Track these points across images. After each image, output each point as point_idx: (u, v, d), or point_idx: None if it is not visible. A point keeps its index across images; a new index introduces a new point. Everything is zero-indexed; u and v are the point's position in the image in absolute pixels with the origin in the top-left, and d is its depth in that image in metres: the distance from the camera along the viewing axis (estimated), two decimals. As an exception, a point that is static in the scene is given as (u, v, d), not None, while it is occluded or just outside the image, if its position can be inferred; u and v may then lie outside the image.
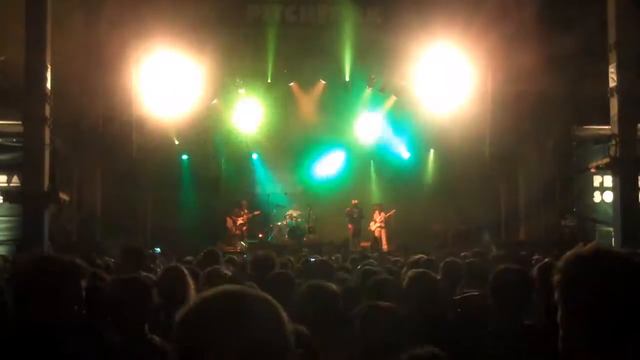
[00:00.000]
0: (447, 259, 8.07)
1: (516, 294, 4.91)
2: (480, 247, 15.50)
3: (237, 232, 25.66)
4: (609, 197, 21.85)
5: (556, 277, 2.55)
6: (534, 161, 22.75)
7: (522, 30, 20.91)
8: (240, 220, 25.68)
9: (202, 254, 9.11)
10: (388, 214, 25.77)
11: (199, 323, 1.83)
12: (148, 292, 4.72)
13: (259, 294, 1.93)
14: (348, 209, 25.77)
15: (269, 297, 1.92)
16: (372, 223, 26.02)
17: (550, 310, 5.42)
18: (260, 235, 26.13)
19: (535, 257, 11.10)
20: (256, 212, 26.06)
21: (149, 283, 4.88)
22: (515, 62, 20.54)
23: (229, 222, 25.74)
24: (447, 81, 23.56)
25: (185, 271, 5.98)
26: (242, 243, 24.83)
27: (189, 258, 12.06)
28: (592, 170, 22.14)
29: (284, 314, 1.91)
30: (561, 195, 22.32)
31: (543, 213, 22.45)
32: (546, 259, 7.64)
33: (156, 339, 4.51)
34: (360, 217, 25.70)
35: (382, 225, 25.86)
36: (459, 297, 6.59)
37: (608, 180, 22.06)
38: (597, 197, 22.90)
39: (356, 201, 25.87)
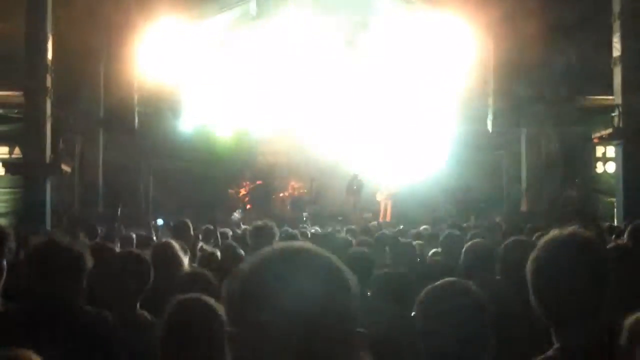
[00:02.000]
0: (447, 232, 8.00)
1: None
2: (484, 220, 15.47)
3: (238, 204, 25.49)
4: (611, 167, 21.75)
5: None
6: (537, 132, 22.61)
7: (525, 0, 20.69)
8: (242, 191, 25.55)
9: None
10: (393, 192, 25.52)
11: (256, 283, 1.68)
12: (147, 269, 4.65)
13: (325, 253, 1.76)
14: (348, 181, 25.47)
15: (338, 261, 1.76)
16: (378, 193, 25.73)
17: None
18: (258, 182, 25.88)
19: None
20: (258, 182, 25.88)
21: (148, 259, 4.82)
22: (518, 31, 20.36)
23: (231, 193, 25.60)
24: (449, 51, 23.36)
25: (176, 246, 5.90)
26: (235, 214, 24.37)
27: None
28: (595, 140, 22.04)
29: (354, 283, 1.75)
30: (564, 166, 22.21)
31: (545, 184, 22.34)
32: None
33: (146, 314, 4.47)
34: (359, 189, 25.39)
35: (388, 197, 25.65)
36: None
37: (611, 151, 21.95)
38: (599, 167, 22.81)
39: (357, 174, 25.56)
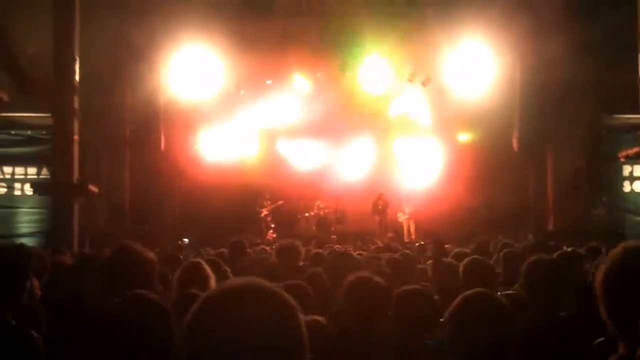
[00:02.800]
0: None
1: (549, 285, 4.81)
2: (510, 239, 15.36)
3: (262, 225, 25.51)
4: (639, 186, 21.60)
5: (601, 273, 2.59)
6: (563, 150, 22.52)
7: (550, 18, 20.69)
8: (264, 212, 25.58)
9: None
10: (415, 210, 25.59)
11: (208, 320, 1.72)
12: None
13: (272, 288, 1.79)
14: (374, 200, 25.50)
15: (283, 293, 1.79)
16: (400, 214, 25.81)
17: (583, 301, 5.34)
18: (280, 202, 25.93)
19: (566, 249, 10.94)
20: (279, 203, 25.92)
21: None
22: (543, 50, 20.34)
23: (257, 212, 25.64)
24: (474, 70, 23.38)
25: (205, 265, 5.93)
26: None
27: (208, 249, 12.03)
28: (622, 159, 21.92)
29: (298, 314, 1.78)
30: (590, 184, 22.08)
31: (572, 203, 22.21)
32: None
33: None
34: (385, 208, 25.38)
35: (410, 217, 25.67)
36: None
37: (638, 170, 21.82)
38: (626, 186, 22.65)
39: (382, 193, 25.59)
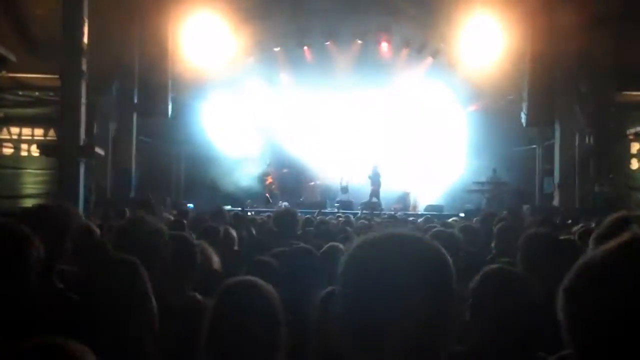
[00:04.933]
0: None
1: (547, 259, 4.81)
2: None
3: (267, 192, 25.61)
4: (646, 164, 21.54)
5: None
6: (571, 126, 22.41)
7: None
8: (269, 179, 25.66)
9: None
10: (419, 184, 25.78)
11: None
12: (194, 250, 4.68)
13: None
14: (369, 172, 25.56)
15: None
16: (407, 185, 25.95)
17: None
18: (284, 170, 26.00)
19: (572, 224, 10.93)
20: (284, 171, 25.99)
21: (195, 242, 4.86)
22: (555, 23, 20.16)
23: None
24: (486, 42, 23.24)
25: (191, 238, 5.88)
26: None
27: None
28: (630, 137, 21.85)
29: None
30: (598, 161, 22.01)
31: (578, 179, 22.17)
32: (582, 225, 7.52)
33: (197, 296, 4.39)
34: (377, 179, 25.38)
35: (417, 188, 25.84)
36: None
37: (646, 147, 21.77)
38: (634, 164, 22.57)
39: (377, 163, 25.66)
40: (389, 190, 25.90)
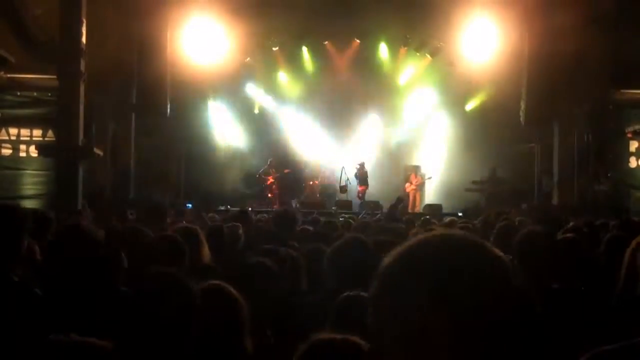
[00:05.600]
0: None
1: (542, 256, 4.83)
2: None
3: (268, 194, 25.58)
4: (644, 162, 21.55)
5: None
6: (570, 124, 22.43)
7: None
8: (270, 179, 25.65)
9: None
10: (422, 181, 25.81)
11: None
12: (182, 251, 4.82)
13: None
14: (355, 170, 25.60)
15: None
16: (407, 184, 25.96)
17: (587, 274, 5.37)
18: (286, 170, 25.99)
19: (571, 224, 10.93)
20: (286, 171, 25.97)
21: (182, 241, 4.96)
22: (553, 21, 20.15)
23: (257, 179, 25.68)
24: (484, 42, 23.27)
25: (198, 230, 5.95)
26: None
27: (212, 215, 12.07)
28: (629, 135, 21.86)
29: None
30: (596, 159, 22.02)
31: (577, 177, 22.19)
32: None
33: None
34: (365, 178, 25.40)
35: (416, 188, 25.83)
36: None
37: (644, 145, 21.78)
38: (632, 162, 22.59)
39: (363, 162, 25.71)
40: (387, 189, 25.97)
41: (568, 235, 6.26)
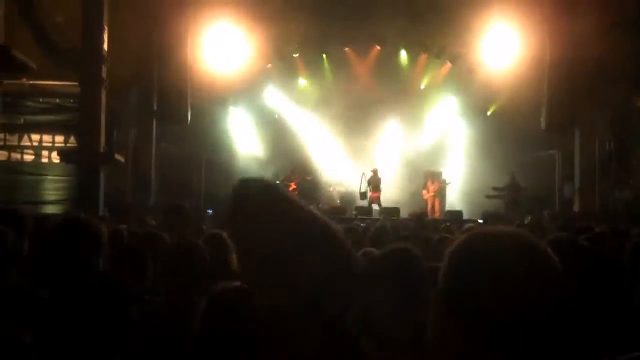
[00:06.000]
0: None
1: (568, 264, 4.77)
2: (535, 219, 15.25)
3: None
4: (667, 169, 21.34)
5: None
6: (591, 131, 22.27)
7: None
8: (292, 185, 25.69)
9: None
10: (440, 186, 25.69)
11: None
12: (203, 257, 4.75)
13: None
14: (369, 177, 25.55)
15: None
16: (424, 191, 25.89)
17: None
18: (308, 177, 26.01)
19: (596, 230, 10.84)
20: (308, 178, 26.00)
21: (204, 248, 4.90)
22: (575, 27, 20.04)
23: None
24: (504, 47, 23.20)
25: (227, 237, 5.94)
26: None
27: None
28: (651, 142, 21.70)
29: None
30: (618, 166, 21.84)
31: (598, 184, 22.02)
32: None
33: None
34: (377, 185, 25.36)
35: (434, 194, 25.73)
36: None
37: (667, 153, 21.57)
38: (655, 169, 22.38)
39: (376, 168, 25.64)
40: (406, 195, 25.97)
41: (592, 241, 6.20)
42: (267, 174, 26.10)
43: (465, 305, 1.69)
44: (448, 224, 14.26)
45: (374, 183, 25.25)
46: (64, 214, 4.71)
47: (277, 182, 25.47)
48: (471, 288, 1.69)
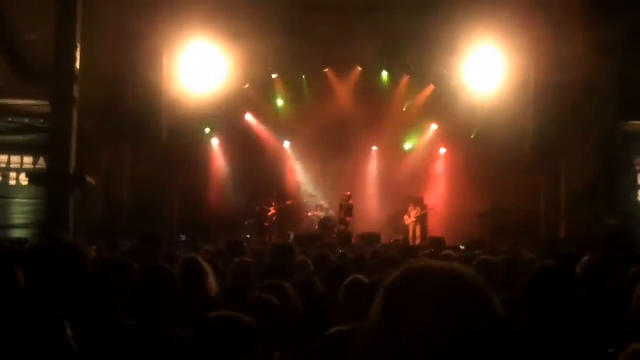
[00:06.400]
0: (481, 257, 7.83)
1: (558, 293, 4.66)
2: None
3: (266, 224, 25.51)
4: (654, 196, 21.43)
5: None
6: (577, 156, 22.32)
7: (567, 18, 20.46)
8: (272, 211, 25.55)
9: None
10: (422, 212, 25.63)
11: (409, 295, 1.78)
12: (174, 283, 4.77)
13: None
14: (342, 201, 25.51)
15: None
16: (406, 217, 25.82)
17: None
18: (289, 202, 25.92)
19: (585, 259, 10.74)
20: (288, 202, 25.88)
21: (175, 274, 4.94)
22: (559, 51, 20.17)
23: (257, 209, 25.62)
24: (488, 70, 23.26)
25: (203, 262, 5.90)
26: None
27: (208, 247, 11.88)
28: (638, 167, 21.76)
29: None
30: (604, 192, 21.90)
31: (585, 211, 22.03)
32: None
33: (176, 329, 4.39)
34: (350, 209, 25.35)
35: (416, 220, 25.66)
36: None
37: (654, 179, 21.68)
38: (641, 195, 22.50)
39: (349, 193, 25.59)
40: (387, 221, 25.90)
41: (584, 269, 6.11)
42: (243, 197, 25.96)
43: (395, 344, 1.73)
44: (432, 250, 14.18)
45: (346, 208, 25.19)
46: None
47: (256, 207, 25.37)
48: (402, 325, 1.73)
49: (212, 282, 5.83)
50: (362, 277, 5.51)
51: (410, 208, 25.80)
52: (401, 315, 1.74)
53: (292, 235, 23.56)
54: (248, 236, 23.53)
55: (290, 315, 4.24)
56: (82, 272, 3.84)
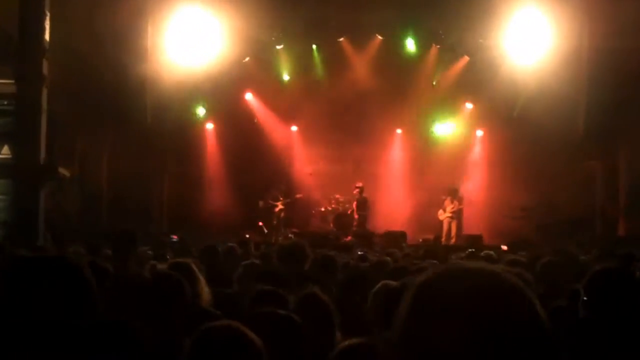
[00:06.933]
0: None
1: (618, 298, 4.73)
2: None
3: (274, 221, 25.56)
4: None
5: None
6: (638, 139, 22.30)
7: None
8: (279, 206, 25.58)
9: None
10: (460, 207, 25.59)
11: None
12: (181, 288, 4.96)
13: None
14: (354, 192, 25.59)
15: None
16: (440, 212, 25.78)
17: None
18: (298, 196, 25.98)
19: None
20: (298, 196, 25.92)
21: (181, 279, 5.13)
22: (618, 13, 20.12)
23: (261, 205, 25.68)
24: (532, 37, 23.20)
25: (194, 267, 6.02)
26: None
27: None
28: None
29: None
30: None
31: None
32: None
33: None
34: (364, 203, 25.40)
35: (452, 215, 25.61)
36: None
37: None
38: None
39: (361, 183, 25.62)
40: (415, 216, 25.94)
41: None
42: (244, 190, 26.00)
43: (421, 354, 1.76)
44: (472, 250, 14.20)
45: (359, 203, 25.25)
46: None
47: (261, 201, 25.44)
48: (429, 339, 1.75)
49: (204, 290, 5.92)
50: (391, 282, 5.56)
51: (447, 202, 25.72)
52: (429, 320, 1.77)
53: (292, 236, 23.59)
54: (247, 235, 23.60)
55: (292, 331, 4.30)
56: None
